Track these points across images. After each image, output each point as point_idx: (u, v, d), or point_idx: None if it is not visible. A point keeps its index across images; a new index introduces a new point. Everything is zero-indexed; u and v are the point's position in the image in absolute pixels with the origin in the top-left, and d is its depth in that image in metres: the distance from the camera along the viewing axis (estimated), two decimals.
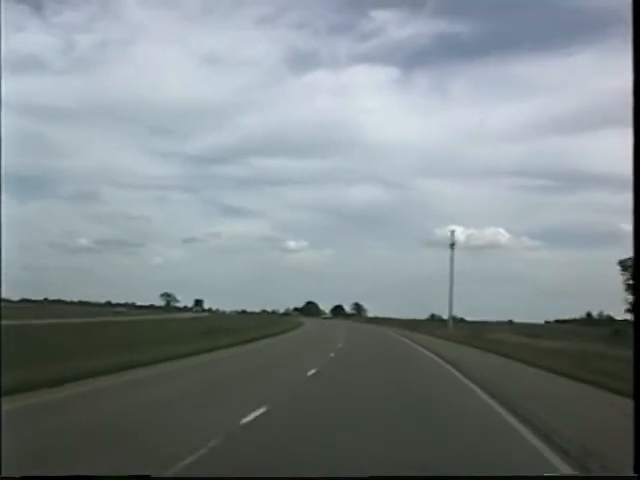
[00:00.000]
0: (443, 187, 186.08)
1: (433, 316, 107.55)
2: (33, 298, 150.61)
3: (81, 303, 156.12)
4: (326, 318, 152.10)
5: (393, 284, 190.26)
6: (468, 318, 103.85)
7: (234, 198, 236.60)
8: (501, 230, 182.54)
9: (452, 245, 52.43)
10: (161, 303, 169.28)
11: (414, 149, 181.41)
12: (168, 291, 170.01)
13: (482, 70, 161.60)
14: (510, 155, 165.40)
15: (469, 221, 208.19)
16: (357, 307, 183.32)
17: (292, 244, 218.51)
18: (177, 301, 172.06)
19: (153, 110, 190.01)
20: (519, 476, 5.85)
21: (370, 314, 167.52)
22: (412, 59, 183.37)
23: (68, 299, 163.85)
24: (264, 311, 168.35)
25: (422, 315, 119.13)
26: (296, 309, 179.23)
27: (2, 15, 7.11)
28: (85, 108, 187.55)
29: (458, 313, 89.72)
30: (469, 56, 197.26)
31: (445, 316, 70.97)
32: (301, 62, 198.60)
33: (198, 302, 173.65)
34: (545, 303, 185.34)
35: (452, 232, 51.00)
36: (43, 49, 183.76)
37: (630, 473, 4.23)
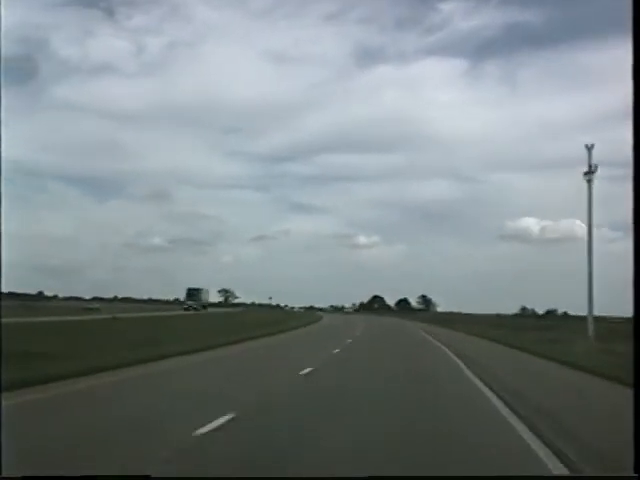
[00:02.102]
0: (515, 180, 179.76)
1: (525, 309, 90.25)
2: (104, 296, 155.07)
3: (151, 300, 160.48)
4: (347, 313, 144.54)
5: (465, 278, 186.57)
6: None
7: (304, 195, 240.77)
8: (578, 222, 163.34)
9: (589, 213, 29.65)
10: (220, 299, 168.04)
11: (485, 142, 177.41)
12: (227, 287, 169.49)
13: (553, 59, 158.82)
14: (584, 145, 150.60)
15: (543, 213, 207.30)
16: (425, 301, 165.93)
17: (362, 240, 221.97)
18: (236, 297, 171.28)
19: (223, 110, 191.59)
20: (519, 476, 5.77)
21: (440, 309, 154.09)
22: (480, 50, 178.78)
23: (138, 297, 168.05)
24: (332, 307, 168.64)
25: (495, 310, 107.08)
26: (362, 304, 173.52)
27: (2, 12, 6.40)
28: (157, 110, 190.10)
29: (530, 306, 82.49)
30: (539, 45, 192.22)
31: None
32: (368, 57, 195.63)
33: (227, 295, 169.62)
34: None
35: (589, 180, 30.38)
36: (115, 53, 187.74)
37: (630, 473, 4.13)
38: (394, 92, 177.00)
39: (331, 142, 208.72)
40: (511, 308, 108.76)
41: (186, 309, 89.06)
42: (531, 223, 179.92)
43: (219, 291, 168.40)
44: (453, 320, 74.36)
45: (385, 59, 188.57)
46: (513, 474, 6.23)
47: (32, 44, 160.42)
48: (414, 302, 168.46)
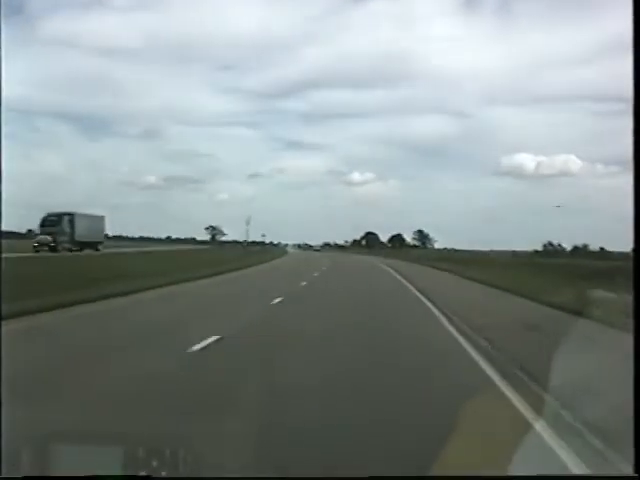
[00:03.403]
0: (511, 115, 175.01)
1: (549, 246, 70.45)
2: None
3: (142, 239, 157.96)
4: (317, 250, 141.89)
5: (466, 214, 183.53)
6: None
7: (298, 132, 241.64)
8: (573, 157, 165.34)
9: None
10: (206, 237, 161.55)
11: (480, 76, 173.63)
12: (214, 224, 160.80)
13: None
14: (582, 79, 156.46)
15: (538, 149, 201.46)
16: (421, 236, 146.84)
17: (356, 177, 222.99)
18: (224, 234, 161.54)
19: (216, 46, 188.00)
20: (519, 476, 5.07)
21: (438, 245, 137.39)
22: None
23: (130, 235, 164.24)
24: (327, 244, 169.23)
25: (506, 246, 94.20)
26: (355, 241, 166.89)
27: (2, 10, 6.53)
28: (149, 47, 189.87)
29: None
30: None
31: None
32: None
33: (214, 233, 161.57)
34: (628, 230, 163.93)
35: None
36: None
37: (630, 473, 3.97)
38: (389, 26, 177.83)
39: (325, 78, 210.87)
40: (522, 244, 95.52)
41: (35, 249, 49.77)
42: (526, 159, 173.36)
43: (206, 228, 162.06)
44: (453, 259, 57.19)
45: None
46: None
47: None
48: (409, 238, 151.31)
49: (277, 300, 18.68)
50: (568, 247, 68.48)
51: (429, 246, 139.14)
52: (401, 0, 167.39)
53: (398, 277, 34.56)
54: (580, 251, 62.54)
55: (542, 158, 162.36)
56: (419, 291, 24.50)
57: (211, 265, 36.65)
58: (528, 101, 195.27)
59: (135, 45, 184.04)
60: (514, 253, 70.96)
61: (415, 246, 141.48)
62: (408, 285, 28.88)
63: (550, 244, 69.17)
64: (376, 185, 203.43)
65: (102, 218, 66.15)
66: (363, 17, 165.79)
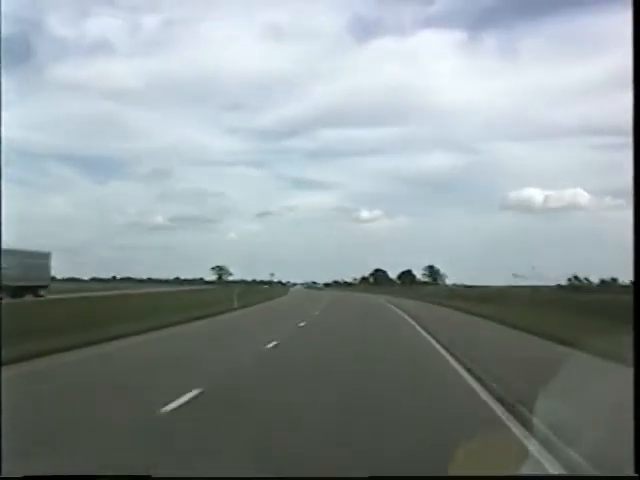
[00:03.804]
0: (517, 149, 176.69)
1: (576, 279, 63.63)
2: (103, 277, 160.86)
3: (150, 280, 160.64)
4: (319, 289, 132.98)
5: (472, 249, 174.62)
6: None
7: (306, 170, 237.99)
8: (580, 190, 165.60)
9: None
10: (212, 277, 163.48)
11: (486, 112, 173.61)
12: (221, 264, 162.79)
13: (553, 27, 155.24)
14: (587, 113, 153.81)
15: (546, 183, 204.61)
16: (432, 272, 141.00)
17: (365, 214, 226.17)
18: (230, 274, 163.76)
19: (222, 86, 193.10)
20: (519, 476, 5.44)
21: (450, 281, 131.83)
22: (479, 20, 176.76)
23: (138, 277, 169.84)
24: (335, 282, 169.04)
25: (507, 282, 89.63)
26: (363, 278, 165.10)
27: (2, 9, 6.37)
28: (156, 88, 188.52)
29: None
30: (538, 13, 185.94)
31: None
32: (366, 30, 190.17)
33: (221, 273, 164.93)
34: None
35: None
36: (112, 32, 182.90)
37: (630, 473, 4.06)
38: (393, 64, 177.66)
39: (332, 116, 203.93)
40: (539, 279, 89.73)
41: None
42: (534, 193, 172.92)
43: (212, 268, 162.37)
44: (467, 296, 51.86)
45: (383, 31, 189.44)
46: None
47: (28, 24, 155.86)
48: (419, 274, 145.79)
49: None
50: (595, 280, 62.75)
51: (440, 282, 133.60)
52: (405, 37, 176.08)
53: (411, 329, 25.37)
54: (609, 285, 57.02)
55: (550, 192, 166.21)
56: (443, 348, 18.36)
57: (183, 309, 31.68)
58: (533, 135, 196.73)
59: (141, 87, 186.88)
60: (534, 289, 65.36)
61: (426, 282, 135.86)
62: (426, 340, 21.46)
63: (576, 278, 63.33)
64: (384, 222, 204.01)
65: (47, 255, 53.44)
66: (368, 55, 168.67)
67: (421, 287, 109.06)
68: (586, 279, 62.67)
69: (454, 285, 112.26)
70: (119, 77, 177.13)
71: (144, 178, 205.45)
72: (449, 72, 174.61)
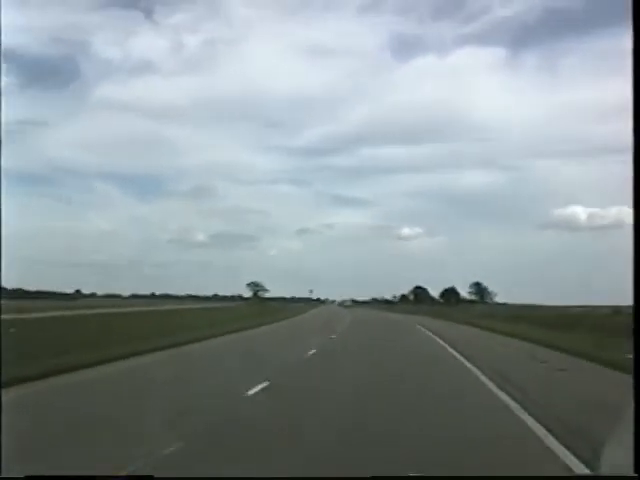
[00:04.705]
0: (559, 167, 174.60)
1: None
2: (143, 293, 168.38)
3: (189, 297, 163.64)
4: (347, 307, 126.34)
5: (518, 267, 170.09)
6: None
7: (346, 188, 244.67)
8: (626, 208, 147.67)
9: None
10: (249, 294, 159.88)
11: (527, 130, 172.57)
12: (257, 280, 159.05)
13: (594, 44, 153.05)
14: (627, 130, 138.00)
15: (589, 201, 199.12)
16: (479, 290, 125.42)
17: (405, 231, 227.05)
18: (266, 290, 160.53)
19: (262, 105, 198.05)
20: (519, 476, 5.57)
21: (500, 299, 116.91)
22: (520, 37, 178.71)
23: (177, 293, 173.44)
24: (374, 299, 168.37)
25: (582, 300, 79.76)
26: (403, 296, 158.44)
27: (2, 12, 6.62)
28: (197, 107, 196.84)
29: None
30: (579, 30, 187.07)
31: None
32: (406, 48, 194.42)
33: (257, 289, 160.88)
34: None
35: None
36: (155, 52, 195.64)
37: (630, 473, 4.01)
38: (433, 82, 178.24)
39: (372, 134, 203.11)
40: (597, 299, 76.94)
41: None
42: (578, 210, 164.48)
43: (248, 284, 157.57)
44: (550, 322, 37.54)
45: (423, 49, 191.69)
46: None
47: (74, 46, 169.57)
48: (464, 292, 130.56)
49: None
50: None
51: (489, 300, 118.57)
52: (445, 55, 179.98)
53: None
54: None
55: (594, 209, 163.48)
56: None
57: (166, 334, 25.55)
58: (572, 152, 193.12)
59: (184, 105, 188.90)
60: (615, 309, 50.58)
61: (472, 301, 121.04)
62: None
63: None
64: (424, 239, 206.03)
65: None
66: (407, 73, 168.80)
67: (468, 306, 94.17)
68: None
69: (506, 305, 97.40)
70: (162, 96, 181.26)
71: (186, 196, 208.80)
72: (488, 89, 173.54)
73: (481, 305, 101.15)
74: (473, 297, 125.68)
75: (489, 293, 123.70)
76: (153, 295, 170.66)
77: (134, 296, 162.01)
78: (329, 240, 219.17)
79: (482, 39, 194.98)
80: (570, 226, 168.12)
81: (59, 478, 4.81)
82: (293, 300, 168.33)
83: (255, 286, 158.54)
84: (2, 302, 40.77)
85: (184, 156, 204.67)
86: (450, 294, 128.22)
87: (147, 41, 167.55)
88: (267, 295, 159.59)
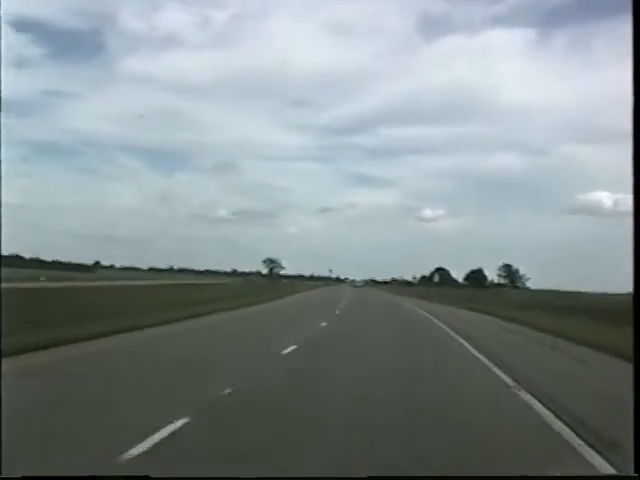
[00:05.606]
0: (586, 152, 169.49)
1: None
2: (162, 267, 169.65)
3: (207, 272, 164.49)
4: (357, 287, 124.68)
5: (549, 252, 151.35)
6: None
7: (369, 167, 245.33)
8: None
9: None
10: (265, 270, 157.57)
11: (555, 113, 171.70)
12: (275, 257, 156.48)
13: (627, 25, 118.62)
14: None
15: (616, 186, 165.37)
16: (509, 272, 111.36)
17: (427, 212, 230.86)
18: (282, 267, 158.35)
19: (288, 82, 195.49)
20: (519, 476, 5.50)
21: (533, 285, 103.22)
22: (550, 18, 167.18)
23: (197, 268, 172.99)
24: (394, 279, 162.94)
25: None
26: (424, 277, 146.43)
27: (2, 10, 6.22)
28: (222, 82, 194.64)
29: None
30: (611, 10, 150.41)
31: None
32: (434, 27, 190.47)
33: (272, 266, 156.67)
34: None
35: None
36: (181, 26, 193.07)
37: (630, 473, 4.11)
38: (461, 63, 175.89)
39: (397, 114, 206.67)
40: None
41: None
42: (604, 196, 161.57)
43: (263, 261, 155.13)
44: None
45: (451, 29, 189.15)
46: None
47: (100, 19, 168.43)
48: (492, 275, 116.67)
49: None
50: None
51: (520, 285, 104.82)
52: (473, 36, 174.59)
53: None
54: None
55: (620, 195, 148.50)
56: None
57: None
58: (601, 138, 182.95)
59: (208, 81, 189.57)
60: None
61: (500, 284, 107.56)
62: None
63: None
64: (448, 221, 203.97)
65: None
66: (434, 53, 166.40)
67: (501, 291, 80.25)
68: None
69: (543, 291, 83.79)
70: (187, 71, 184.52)
71: (209, 171, 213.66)
72: (518, 71, 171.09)
73: (514, 291, 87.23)
74: (502, 280, 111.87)
75: (520, 277, 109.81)
76: (172, 269, 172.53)
77: (152, 269, 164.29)
78: (351, 219, 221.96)
79: (512, 19, 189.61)
80: (597, 211, 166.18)
81: (59, 478, 4.79)
82: (312, 278, 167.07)
83: (271, 262, 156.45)
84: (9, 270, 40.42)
85: (208, 131, 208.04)
86: (476, 276, 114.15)
87: (174, 15, 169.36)
88: (283, 272, 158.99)
